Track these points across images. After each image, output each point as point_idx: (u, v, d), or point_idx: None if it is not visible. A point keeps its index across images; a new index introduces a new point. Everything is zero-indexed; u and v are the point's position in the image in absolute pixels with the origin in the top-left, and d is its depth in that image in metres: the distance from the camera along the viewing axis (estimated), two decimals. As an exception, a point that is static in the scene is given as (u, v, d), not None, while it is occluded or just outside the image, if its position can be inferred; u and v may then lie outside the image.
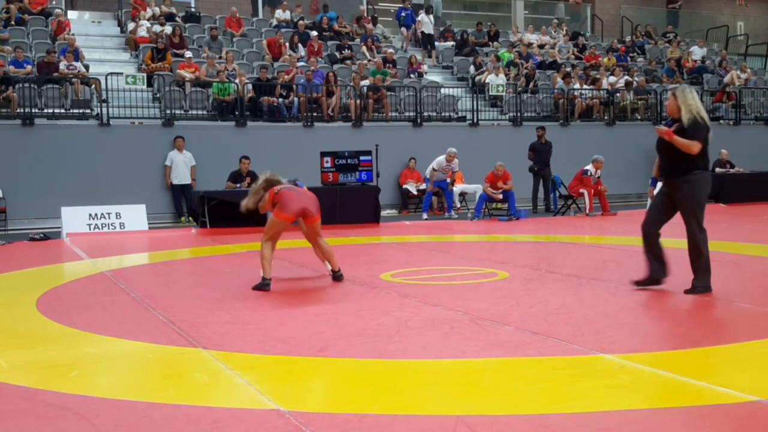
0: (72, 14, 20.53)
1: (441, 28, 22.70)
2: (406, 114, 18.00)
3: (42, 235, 12.38)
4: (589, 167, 15.15)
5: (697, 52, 24.59)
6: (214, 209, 13.03)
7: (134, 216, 13.29)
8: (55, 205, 13.28)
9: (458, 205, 16.70)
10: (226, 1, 21.48)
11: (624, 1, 28.15)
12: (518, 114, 18.78)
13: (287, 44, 19.09)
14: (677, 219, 6.51)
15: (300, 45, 19.30)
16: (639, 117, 20.33)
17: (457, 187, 16.51)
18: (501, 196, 14.82)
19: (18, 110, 14.80)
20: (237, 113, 16.34)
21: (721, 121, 21.52)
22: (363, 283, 7.38)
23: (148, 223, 13.43)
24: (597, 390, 4.01)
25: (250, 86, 16.73)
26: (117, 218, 13.16)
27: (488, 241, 11.89)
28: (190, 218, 14.38)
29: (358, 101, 17.30)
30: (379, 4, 25.28)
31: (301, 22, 20.16)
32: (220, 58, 17.67)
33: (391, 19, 24.40)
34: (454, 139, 16.63)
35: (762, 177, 18.02)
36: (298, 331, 5.47)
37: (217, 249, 10.96)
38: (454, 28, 23.21)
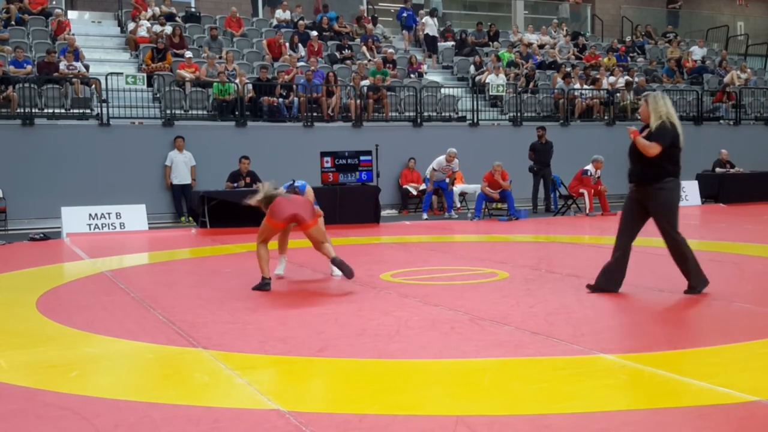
0: (72, 14, 20.54)
1: (441, 28, 22.69)
2: (406, 114, 17.99)
3: (42, 235, 12.38)
4: (589, 167, 15.15)
5: (697, 52, 24.59)
6: (214, 209, 13.03)
7: (134, 216, 13.29)
8: (55, 205, 13.28)
9: (458, 205, 16.71)
10: (226, 1, 21.48)
11: (624, 1, 28.15)
12: (518, 114, 18.78)
13: (287, 44, 19.09)
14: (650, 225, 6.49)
15: (300, 45, 19.30)
16: (639, 117, 20.31)
17: (457, 187, 16.51)
18: (498, 196, 14.84)
19: (18, 110, 14.80)
20: (237, 113, 16.34)
21: (721, 121, 21.54)
22: (363, 283, 7.38)
23: (148, 223, 13.43)
24: (597, 390, 4.01)
25: (250, 86, 16.73)
26: (117, 218, 13.16)
27: (488, 241, 11.89)
28: (190, 218, 14.39)
29: (358, 101, 17.30)
30: (379, 4, 25.28)
31: (301, 22, 20.16)
32: (220, 58, 17.67)
33: (391, 19, 24.40)
34: (454, 139, 16.64)
35: (762, 177, 18.03)
36: (298, 331, 5.47)
37: (217, 249, 10.96)
38: (454, 28, 23.23)
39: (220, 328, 5.64)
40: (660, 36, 26.46)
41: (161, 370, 4.70)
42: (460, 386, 4.13)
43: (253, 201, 7.35)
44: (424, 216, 15.12)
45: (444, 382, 4.21)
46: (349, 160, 13.82)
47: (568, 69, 20.74)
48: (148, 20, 18.67)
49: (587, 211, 15.05)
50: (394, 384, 4.23)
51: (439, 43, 21.99)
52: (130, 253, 10.77)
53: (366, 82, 17.79)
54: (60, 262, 10.04)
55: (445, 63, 21.58)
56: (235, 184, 13.74)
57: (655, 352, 4.72)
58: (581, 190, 15.16)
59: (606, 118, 19.87)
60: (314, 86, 17.10)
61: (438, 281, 7.58)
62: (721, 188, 17.29)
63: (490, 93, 19.21)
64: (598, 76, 20.55)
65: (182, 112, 16.23)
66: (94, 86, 15.77)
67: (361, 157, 13.94)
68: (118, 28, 19.79)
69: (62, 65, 15.68)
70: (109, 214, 13.14)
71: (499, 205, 15.20)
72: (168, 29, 18.16)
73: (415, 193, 16.83)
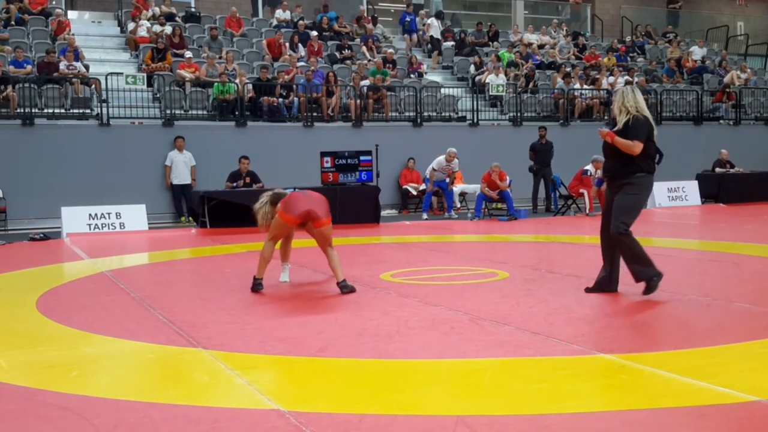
0: (72, 14, 20.54)
1: (442, 29, 22.70)
2: (406, 114, 18.00)
3: (42, 235, 12.38)
4: (589, 167, 15.16)
5: (697, 52, 24.59)
6: (214, 209, 13.03)
7: (134, 216, 13.29)
8: (55, 205, 13.28)
9: (458, 205, 16.71)
10: (226, 1, 21.48)
11: (624, 1, 28.15)
12: (518, 114, 18.78)
13: (287, 44, 19.09)
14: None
15: (300, 45, 19.30)
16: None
17: (457, 187, 16.51)
18: (497, 196, 14.84)
19: (18, 110, 14.79)
20: (237, 113, 16.34)
21: (721, 121, 21.53)
22: (363, 283, 7.38)
23: (148, 223, 13.43)
24: (597, 390, 4.01)
25: (250, 86, 16.73)
26: (117, 218, 13.16)
27: (488, 241, 11.89)
28: (190, 218, 14.39)
29: (358, 101, 17.30)
30: (379, 4, 25.28)
31: (301, 22, 20.16)
32: (220, 58, 17.67)
33: (391, 19, 24.39)
34: (454, 139, 16.64)
35: (762, 177, 18.03)
36: (298, 331, 5.47)
37: (217, 249, 10.96)
38: (454, 28, 23.23)
39: (220, 328, 5.64)
40: (660, 36, 26.46)
41: (161, 370, 4.70)
42: (460, 386, 4.13)
43: (258, 204, 7.22)
44: (424, 216, 15.12)
45: (444, 382, 4.21)
46: (349, 160, 13.82)
47: (568, 69, 20.74)
48: (148, 20, 18.67)
49: (587, 211, 15.06)
50: (394, 384, 4.23)
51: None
52: (130, 253, 10.77)
53: (366, 82, 17.79)
54: (60, 262, 10.04)
55: (445, 63, 21.58)
56: (235, 184, 13.74)
57: (655, 352, 4.72)
58: (581, 190, 15.16)
59: (606, 118, 19.84)
60: (314, 86, 17.10)
61: (438, 281, 7.57)
62: (721, 188, 17.29)
63: (490, 93, 19.21)
64: (598, 76, 20.55)
65: (182, 112, 16.23)
66: (94, 86, 15.76)
67: (361, 157, 13.94)
68: (118, 28, 19.79)
69: (62, 65, 15.68)
70: (109, 214, 13.14)
71: (500, 205, 15.20)
72: (168, 29, 18.16)
73: (415, 193, 16.83)
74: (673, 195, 16.96)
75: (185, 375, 4.52)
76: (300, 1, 21.60)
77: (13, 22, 17.63)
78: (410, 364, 4.60)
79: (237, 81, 16.53)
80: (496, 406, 3.76)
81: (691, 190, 17.18)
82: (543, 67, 21.51)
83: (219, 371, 4.47)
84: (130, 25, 18.71)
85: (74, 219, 12.83)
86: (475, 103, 18.49)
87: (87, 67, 16.30)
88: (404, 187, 16.94)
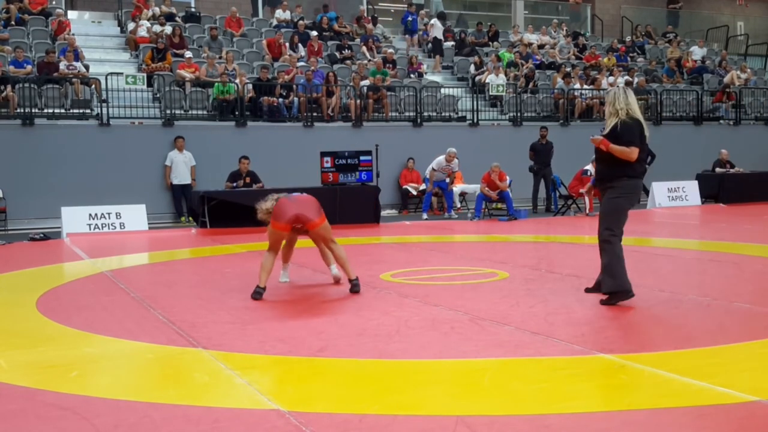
0: (72, 14, 20.52)
1: (443, 29, 22.70)
2: (406, 114, 17.99)
3: (42, 235, 12.38)
4: (589, 167, 15.13)
5: (697, 52, 24.59)
6: (214, 209, 13.03)
7: (134, 216, 13.29)
8: (55, 205, 13.27)
9: (458, 205, 16.71)
10: (226, 1, 21.48)
11: (624, 1, 28.15)
12: (518, 114, 18.78)
13: (287, 44, 19.09)
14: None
15: (300, 45, 19.30)
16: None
17: (457, 187, 16.51)
18: (497, 197, 14.84)
19: (18, 110, 14.79)
20: (237, 113, 16.34)
21: (721, 121, 21.53)
22: (363, 283, 7.36)
23: (148, 223, 13.42)
24: (597, 390, 4.02)
25: (250, 86, 16.73)
26: (117, 218, 13.16)
27: (488, 241, 11.89)
28: (190, 218, 14.38)
29: (358, 101, 17.30)
30: (379, 4, 25.28)
31: (301, 22, 20.16)
32: (220, 58, 17.67)
33: (391, 19, 24.39)
34: (454, 139, 16.63)
35: (762, 177, 18.03)
36: (298, 331, 5.47)
37: (217, 249, 10.96)
38: (455, 28, 23.23)
39: (220, 328, 5.64)
40: (660, 36, 26.46)
41: (161, 370, 4.70)
42: (460, 386, 4.13)
43: (262, 202, 7.15)
44: (424, 216, 15.12)
45: (444, 382, 4.21)
46: (349, 160, 13.82)
47: (568, 69, 20.74)
48: (148, 20, 18.67)
49: (587, 211, 15.05)
50: (394, 384, 4.23)
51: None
52: (130, 253, 10.76)
53: (366, 82, 17.79)
54: (60, 262, 10.04)
55: (445, 63, 21.58)
56: (235, 184, 13.74)
57: (655, 352, 4.72)
58: (581, 190, 15.16)
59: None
60: (314, 86, 17.10)
61: (438, 281, 7.57)
62: (721, 188, 17.28)
63: (490, 93, 19.21)
64: (598, 76, 20.55)
65: (182, 112, 16.22)
66: (94, 86, 15.76)
67: (361, 157, 13.93)
68: (118, 28, 19.79)
69: (62, 65, 15.68)
70: (109, 214, 13.13)
71: (500, 205, 15.20)
72: (168, 29, 18.16)
73: (414, 193, 16.83)
74: (673, 195, 16.96)
75: (185, 375, 4.52)
76: (300, 1, 21.60)
77: (13, 22, 17.63)
78: (410, 364, 4.60)
79: (237, 81, 16.54)
80: (496, 406, 3.76)
81: (691, 190, 17.18)
82: (543, 67, 21.51)
83: (219, 371, 4.47)
84: (130, 25, 18.71)
85: (74, 219, 12.83)
86: (475, 103, 18.50)
87: (87, 67, 16.30)
88: (404, 187, 16.94)
